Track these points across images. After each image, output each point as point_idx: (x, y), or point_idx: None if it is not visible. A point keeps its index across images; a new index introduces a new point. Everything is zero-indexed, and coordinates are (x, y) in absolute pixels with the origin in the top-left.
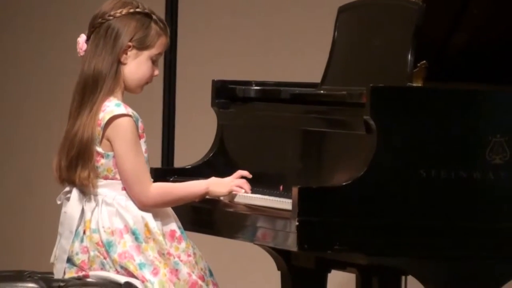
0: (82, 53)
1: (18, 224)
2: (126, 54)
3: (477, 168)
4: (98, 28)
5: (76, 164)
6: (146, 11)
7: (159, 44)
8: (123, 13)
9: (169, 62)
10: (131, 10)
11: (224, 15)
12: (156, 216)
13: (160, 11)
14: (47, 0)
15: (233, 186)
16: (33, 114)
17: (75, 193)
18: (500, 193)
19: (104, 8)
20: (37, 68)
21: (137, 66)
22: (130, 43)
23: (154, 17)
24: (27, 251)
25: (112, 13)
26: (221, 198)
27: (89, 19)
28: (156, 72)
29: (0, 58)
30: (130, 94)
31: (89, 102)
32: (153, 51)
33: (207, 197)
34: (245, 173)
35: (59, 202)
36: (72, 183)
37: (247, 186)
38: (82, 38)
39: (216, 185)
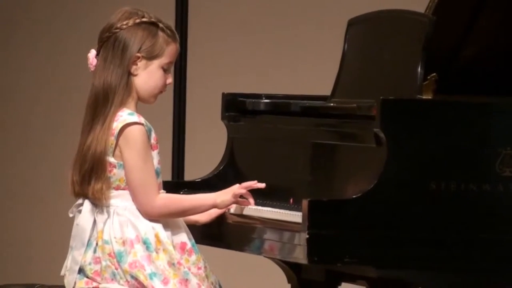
0: (92, 68)
1: (28, 237)
2: (136, 65)
3: (487, 181)
4: (106, 42)
5: (90, 177)
6: (153, 19)
7: (169, 52)
8: (129, 24)
9: (179, 76)
10: (137, 21)
11: (234, 28)
12: (166, 227)
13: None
14: (58, 15)
15: (236, 190)
16: (43, 128)
17: (87, 204)
18: (510, 205)
19: (111, 21)
20: (48, 81)
21: (148, 76)
22: (138, 54)
23: (161, 25)
24: (37, 264)
25: (118, 25)
26: (231, 210)
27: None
28: (169, 81)
29: (12, 72)
30: (141, 107)
31: (101, 115)
32: (163, 60)
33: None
34: (252, 182)
35: (71, 215)
36: (85, 196)
37: (249, 195)
38: (92, 53)
39: (221, 195)
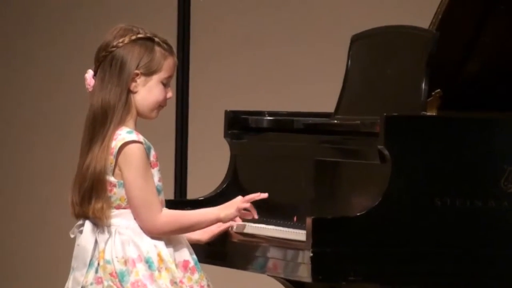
0: (90, 89)
1: (30, 258)
2: (135, 82)
3: (492, 197)
4: (103, 62)
5: (90, 197)
6: (148, 35)
7: (167, 66)
8: (125, 41)
9: (181, 93)
10: (133, 37)
11: (236, 46)
12: (168, 244)
13: (172, 42)
14: (57, 35)
15: (239, 204)
16: (46, 148)
17: (88, 225)
18: None
19: (107, 40)
20: (49, 100)
21: (148, 92)
22: (137, 71)
23: (156, 39)
24: (39, 285)
25: (114, 43)
26: (234, 228)
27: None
28: (169, 95)
29: (15, 91)
30: (143, 124)
31: (100, 135)
32: (162, 75)
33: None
34: (255, 195)
35: (72, 236)
36: (86, 217)
37: (253, 208)
38: (89, 73)
39: (225, 209)
